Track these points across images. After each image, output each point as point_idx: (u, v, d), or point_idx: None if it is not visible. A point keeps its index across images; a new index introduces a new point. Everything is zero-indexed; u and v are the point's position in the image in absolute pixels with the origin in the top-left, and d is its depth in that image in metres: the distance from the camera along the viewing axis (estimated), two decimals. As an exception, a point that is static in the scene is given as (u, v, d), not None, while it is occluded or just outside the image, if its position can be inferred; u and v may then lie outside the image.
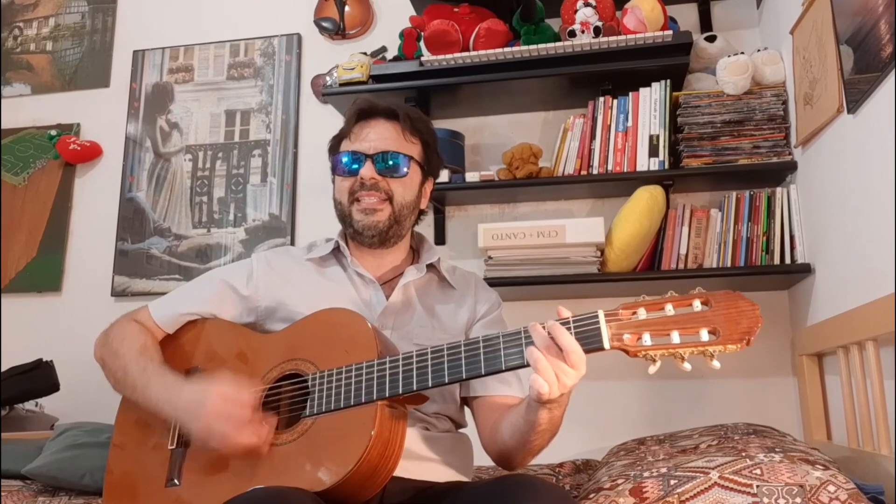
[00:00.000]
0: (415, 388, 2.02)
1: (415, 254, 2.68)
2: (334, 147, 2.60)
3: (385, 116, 2.54)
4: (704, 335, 1.78)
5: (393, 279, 2.55)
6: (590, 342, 1.86)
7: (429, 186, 2.64)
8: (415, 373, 2.03)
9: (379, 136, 2.50)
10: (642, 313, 1.85)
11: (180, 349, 2.46)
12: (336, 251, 2.58)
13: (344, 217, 2.51)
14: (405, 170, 2.49)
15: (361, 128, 2.52)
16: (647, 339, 1.82)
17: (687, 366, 1.78)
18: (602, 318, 1.86)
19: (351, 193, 2.47)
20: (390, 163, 2.46)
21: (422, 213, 2.66)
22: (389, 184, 2.46)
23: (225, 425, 2.08)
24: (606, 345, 1.84)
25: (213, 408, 2.10)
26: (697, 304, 1.82)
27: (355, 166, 2.46)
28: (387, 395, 2.02)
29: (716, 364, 1.77)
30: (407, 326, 2.44)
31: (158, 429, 2.31)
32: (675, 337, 1.80)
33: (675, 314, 1.83)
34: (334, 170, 2.54)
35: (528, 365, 1.91)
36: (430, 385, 2.02)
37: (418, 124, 2.58)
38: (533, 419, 2.05)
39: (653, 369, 1.81)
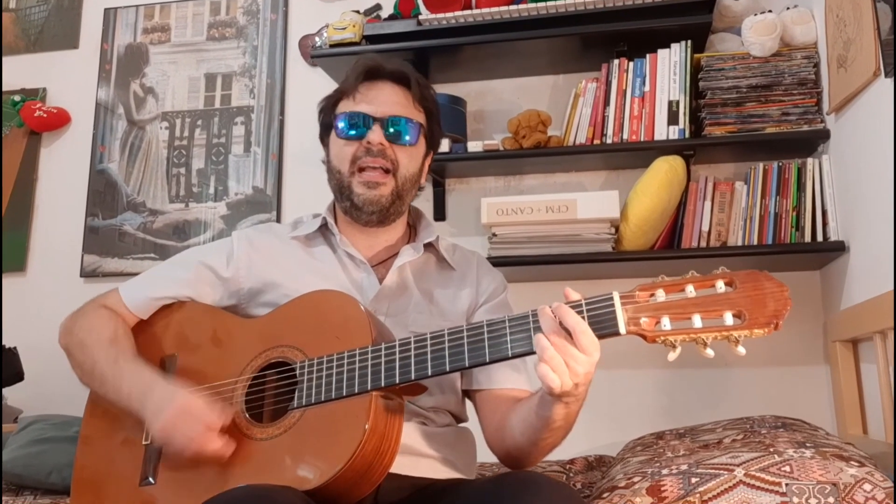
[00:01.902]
0: (413, 378, 2.00)
1: (411, 231, 2.66)
2: (329, 107, 2.56)
3: (394, 80, 2.51)
4: (728, 319, 1.76)
5: (387, 259, 2.52)
6: (604, 327, 1.84)
7: (428, 160, 2.63)
8: (413, 360, 2.01)
9: (388, 99, 2.47)
10: (661, 295, 1.83)
11: (155, 336, 2.44)
12: (324, 228, 2.56)
13: (342, 189, 2.47)
14: (415, 139, 2.48)
15: (368, 88, 2.48)
16: (666, 323, 1.80)
17: (710, 352, 1.77)
18: (617, 301, 1.84)
19: (353, 161, 2.43)
20: (400, 129, 2.44)
21: (419, 188, 2.64)
22: (396, 152, 2.44)
23: (183, 440, 2.09)
24: (622, 329, 1.82)
25: (175, 418, 2.11)
26: (721, 285, 1.80)
27: (361, 129, 2.43)
28: (382, 384, 2.00)
29: (741, 350, 1.75)
30: (402, 312, 2.42)
31: (131, 423, 2.28)
32: (697, 321, 1.78)
33: (697, 296, 1.81)
34: (334, 132, 2.50)
35: (535, 351, 1.90)
36: (429, 374, 1.99)
37: (426, 92, 2.56)
38: (547, 415, 2.03)
39: (672, 356, 1.79)
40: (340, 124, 2.46)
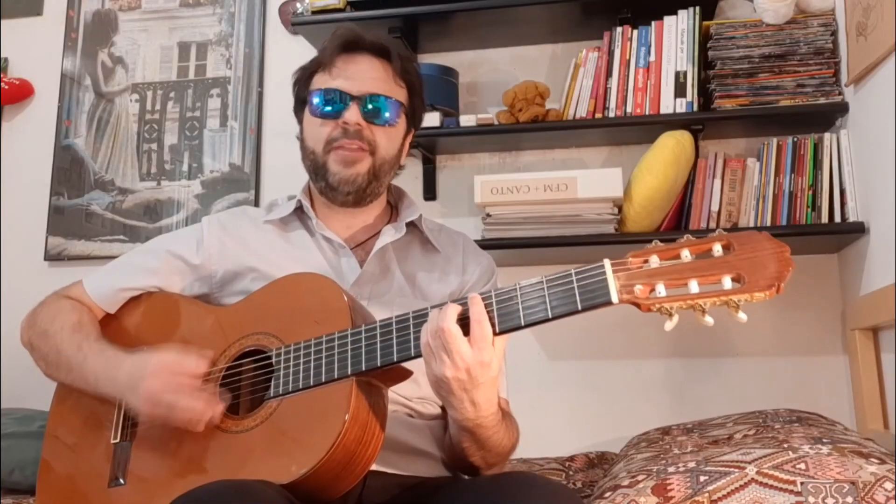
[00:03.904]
0: (395, 360, 1.99)
1: (393, 210, 2.66)
2: (304, 80, 2.55)
3: (373, 52, 2.50)
4: (727, 283, 1.76)
5: (367, 240, 2.53)
6: (595, 297, 1.84)
7: (409, 138, 2.63)
8: (395, 342, 2.00)
9: (366, 74, 2.46)
10: (655, 261, 1.83)
11: (123, 328, 2.44)
12: (299, 211, 2.55)
13: (316, 168, 2.47)
14: (395, 118, 2.47)
15: (345, 63, 2.47)
16: (661, 289, 1.80)
17: (709, 319, 1.77)
18: (609, 269, 1.84)
19: (328, 141, 2.42)
20: (378, 108, 2.43)
21: (399, 167, 2.64)
22: (374, 132, 2.43)
23: (169, 397, 2.08)
24: (615, 298, 1.82)
25: (155, 379, 2.10)
26: (718, 249, 1.80)
27: (337, 108, 2.42)
28: (363, 368, 1.99)
29: (742, 316, 1.75)
30: (385, 297, 2.42)
31: (100, 420, 2.30)
32: (694, 286, 1.77)
33: (693, 261, 1.81)
34: (309, 109, 2.49)
35: (525, 325, 1.90)
36: (412, 355, 1.98)
37: (408, 65, 2.56)
38: (454, 436, 2.14)
39: (669, 325, 1.79)
40: (315, 101, 2.45)
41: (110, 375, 2.21)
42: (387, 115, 2.44)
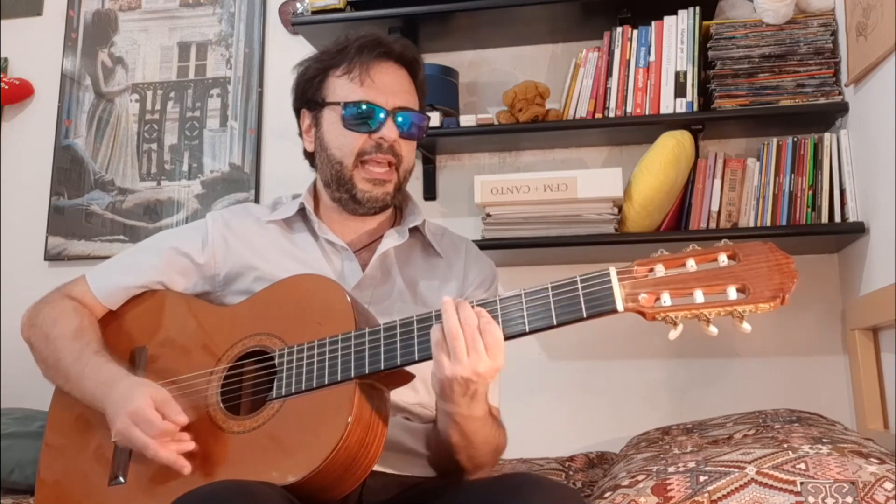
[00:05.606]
0: (399, 363, 1.99)
1: (397, 213, 2.65)
2: (317, 79, 2.50)
3: (400, 62, 2.49)
4: (732, 293, 1.77)
5: (370, 244, 2.52)
6: (601, 304, 1.85)
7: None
8: (398, 345, 2.00)
9: (396, 86, 2.45)
10: (660, 270, 1.84)
11: (125, 326, 2.43)
12: (303, 213, 2.53)
13: (341, 180, 2.44)
14: (422, 133, 2.49)
15: (375, 72, 2.43)
16: (666, 299, 1.81)
17: (713, 329, 1.78)
18: (614, 277, 1.86)
19: (359, 154, 2.40)
20: (408, 123, 2.42)
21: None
22: (402, 146, 2.43)
23: (141, 442, 2.06)
24: (620, 307, 1.83)
25: (130, 418, 2.07)
26: (723, 259, 1.81)
27: (372, 122, 2.39)
28: (367, 371, 1.99)
29: (746, 327, 1.76)
30: (386, 301, 2.41)
31: (100, 418, 2.26)
32: (699, 296, 1.79)
33: (698, 270, 1.82)
34: (332, 114, 2.44)
35: (529, 332, 1.91)
36: (416, 359, 1.98)
37: (423, 75, 2.57)
38: (442, 430, 2.12)
39: (674, 334, 1.80)
40: (347, 113, 2.41)
41: (102, 396, 2.19)
42: (414, 129, 2.44)
